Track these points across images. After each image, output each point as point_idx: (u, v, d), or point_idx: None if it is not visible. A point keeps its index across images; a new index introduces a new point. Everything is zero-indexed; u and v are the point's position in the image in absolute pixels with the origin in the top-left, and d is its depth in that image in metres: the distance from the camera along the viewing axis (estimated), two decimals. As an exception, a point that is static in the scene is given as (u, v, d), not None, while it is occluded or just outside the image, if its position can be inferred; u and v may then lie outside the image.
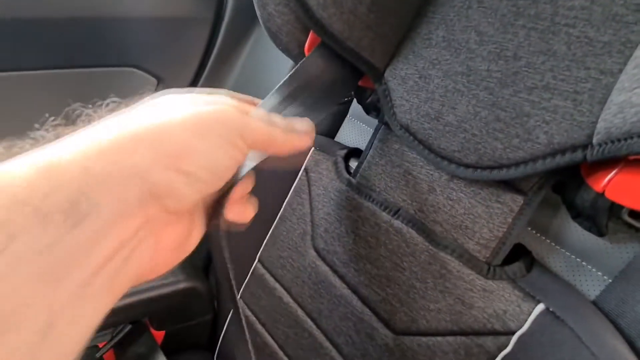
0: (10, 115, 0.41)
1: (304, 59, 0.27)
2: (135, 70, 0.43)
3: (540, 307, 0.24)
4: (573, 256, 0.27)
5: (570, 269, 0.27)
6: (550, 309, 0.23)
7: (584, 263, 0.26)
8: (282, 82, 0.26)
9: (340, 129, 0.45)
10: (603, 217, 0.22)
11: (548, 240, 0.28)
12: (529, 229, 0.29)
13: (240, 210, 0.21)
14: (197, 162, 0.16)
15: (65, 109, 0.17)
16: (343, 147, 0.37)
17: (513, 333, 0.24)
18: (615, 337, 0.22)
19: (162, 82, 0.46)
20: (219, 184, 0.17)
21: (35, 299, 0.11)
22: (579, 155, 0.20)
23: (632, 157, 0.18)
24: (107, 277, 0.14)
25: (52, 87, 0.40)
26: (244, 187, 0.22)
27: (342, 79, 0.29)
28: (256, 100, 0.24)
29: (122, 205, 0.14)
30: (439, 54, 0.26)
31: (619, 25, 0.20)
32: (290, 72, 0.26)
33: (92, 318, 0.13)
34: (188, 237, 0.18)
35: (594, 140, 0.19)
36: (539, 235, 0.29)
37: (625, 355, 0.21)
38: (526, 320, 0.24)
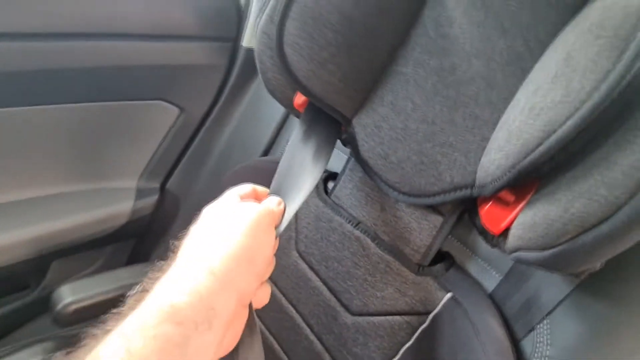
0: (55, 143, 0.52)
1: (303, 115, 0.37)
2: (161, 102, 0.54)
3: (449, 295, 0.34)
4: (481, 261, 0.37)
5: (479, 270, 0.37)
6: (455, 297, 0.33)
7: (487, 266, 0.36)
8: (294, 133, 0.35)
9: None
10: (490, 235, 0.32)
11: (467, 249, 0.38)
12: (455, 241, 0.39)
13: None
14: (261, 261, 0.22)
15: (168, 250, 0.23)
16: (324, 171, 0.48)
17: (429, 313, 0.34)
18: (495, 319, 0.32)
19: (184, 112, 0.57)
20: (271, 269, 0.24)
21: None
22: (468, 191, 0.31)
23: (493, 197, 0.28)
24: (215, 356, 0.20)
25: (92, 118, 0.51)
26: None
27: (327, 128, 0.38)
28: (260, 189, 0.31)
29: (229, 312, 0.20)
30: (387, 112, 0.36)
31: (493, 109, 0.30)
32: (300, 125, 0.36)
33: None
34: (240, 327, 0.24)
35: (475, 183, 0.30)
36: (461, 245, 0.39)
37: (498, 333, 0.31)
38: (438, 304, 0.34)
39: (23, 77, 0.45)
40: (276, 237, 0.26)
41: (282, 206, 0.28)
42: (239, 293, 0.21)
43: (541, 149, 0.21)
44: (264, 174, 0.48)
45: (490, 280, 0.36)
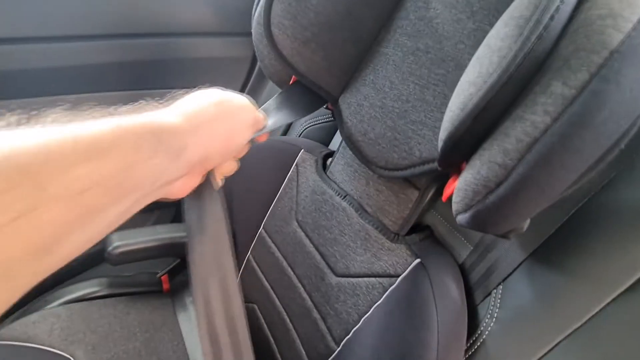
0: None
1: (289, 86, 0.42)
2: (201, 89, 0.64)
3: (417, 260, 0.37)
4: (457, 233, 0.39)
5: (455, 242, 0.39)
6: (423, 263, 0.36)
7: (462, 239, 0.38)
8: (275, 96, 0.41)
9: (334, 138, 0.59)
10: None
11: (446, 223, 0.40)
12: (437, 215, 0.41)
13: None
14: (235, 137, 0.26)
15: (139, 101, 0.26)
16: (324, 149, 0.52)
17: (399, 276, 0.37)
18: (455, 283, 0.34)
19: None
20: (239, 153, 0.29)
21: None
22: (435, 165, 0.33)
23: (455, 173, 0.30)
24: (162, 188, 0.24)
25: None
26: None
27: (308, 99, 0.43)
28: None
29: (194, 158, 0.24)
30: (368, 91, 0.39)
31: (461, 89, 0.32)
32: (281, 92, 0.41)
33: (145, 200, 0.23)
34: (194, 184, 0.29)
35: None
36: (442, 219, 0.41)
37: (454, 294, 0.33)
38: (407, 268, 0.37)
39: (103, 68, 0.57)
40: (253, 137, 0.31)
41: (264, 121, 0.33)
42: (205, 150, 0.24)
43: (456, 123, 0.23)
44: (281, 152, 0.55)
45: (464, 251, 0.38)
